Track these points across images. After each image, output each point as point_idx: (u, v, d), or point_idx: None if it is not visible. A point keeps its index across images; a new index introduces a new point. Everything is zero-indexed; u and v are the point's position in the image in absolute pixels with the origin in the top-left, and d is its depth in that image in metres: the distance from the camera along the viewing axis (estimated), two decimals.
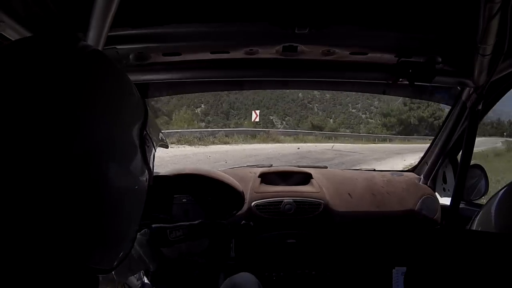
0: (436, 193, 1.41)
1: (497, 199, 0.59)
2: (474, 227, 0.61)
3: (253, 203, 1.26)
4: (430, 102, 34.93)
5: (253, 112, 21.62)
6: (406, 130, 33.24)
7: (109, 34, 0.67)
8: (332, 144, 16.78)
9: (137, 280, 0.72)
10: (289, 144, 16.55)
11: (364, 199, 1.34)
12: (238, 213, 1.24)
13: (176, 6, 0.76)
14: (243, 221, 1.21)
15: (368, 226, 1.32)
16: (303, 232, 1.26)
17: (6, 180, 0.29)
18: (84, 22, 0.65)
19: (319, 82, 1.24)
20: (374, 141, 22.88)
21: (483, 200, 1.23)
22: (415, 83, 0.97)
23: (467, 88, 1.09)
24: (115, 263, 0.39)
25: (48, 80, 0.31)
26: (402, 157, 11.11)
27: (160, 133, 0.51)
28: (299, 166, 1.53)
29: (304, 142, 18.37)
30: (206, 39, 0.86)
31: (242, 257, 1.19)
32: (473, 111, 1.04)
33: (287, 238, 1.25)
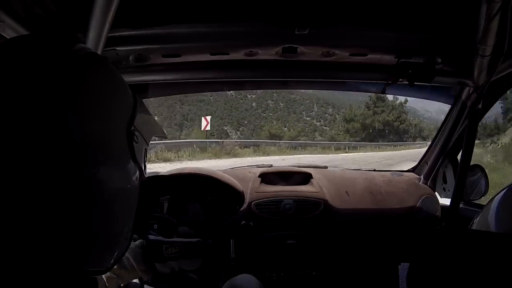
0: (436, 193, 1.41)
1: (497, 200, 0.59)
2: (474, 228, 0.61)
3: (253, 203, 1.26)
4: (394, 105, 34.49)
5: (203, 118, 16.40)
6: (370, 135, 32.21)
7: (109, 35, 0.68)
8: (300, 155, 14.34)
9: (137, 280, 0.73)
10: (251, 159, 12.52)
11: (364, 199, 1.34)
12: (238, 213, 1.24)
13: (176, 7, 0.76)
14: (243, 221, 1.21)
15: (368, 226, 1.32)
16: (303, 233, 1.27)
17: None
18: (84, 22, 0.65)
19: (319, 82, 1.24)
20: (345, 150, 19.94)
21: (483, 200, 1.23)
22: (415, 83, 0.97)
23: (467, 88, 1.09)
24: (111, 262, 0.39)
25: (31, 78, 0.31)
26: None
27: (155, 126, 0.50)
28: (299, 166, 1.54)
29: (267, 155, 14.98)
30: (206, 40, 0.86)
31: (242, 257, 1.19)
32: (473, 111, 1.04)
33: (287, 238, 1.25)
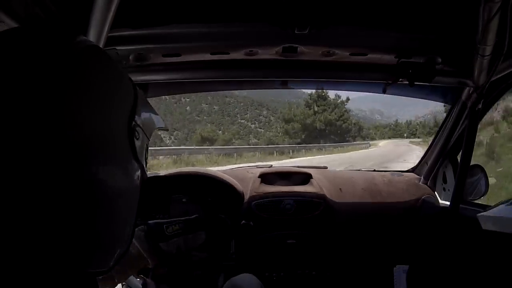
0: (436, 193, 1.41)
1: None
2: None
3: (253, 203, 1.26)
4: (337, 103, 33.10)
5: None
6: (311, 136, 30.56)
7: (109, 35, 0.68)
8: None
9: (138, 280, 0.72)
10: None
11: (364, 199, 1.34)
12: (238, 213, 1.24)
13: (176, 7, 0.76)
14: (243, 221, 1.21)
15: (368, 226, 1.32)
16: (303, 233, 1.27)
17: None
18: (84, 22, 0.65)
19: (319, 82, 1.24)
20: (289, 155, 17.31)
21: (483, 200, 1.23)
22: (415, 83, 0.97)
23: (467, 88, 1.09)
24: (112, 263, 0.38)
25: (29, 69, 0.29)
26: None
27: (156, 119, 0.49)
28: (298, 167, 1.54)
29: (192, 165, 10.58)
30: (206, 39, 0.86)
31: (242, 257, 1.19)
32: (473, 111, 1.04)
33: (287, 238, 1.26)
